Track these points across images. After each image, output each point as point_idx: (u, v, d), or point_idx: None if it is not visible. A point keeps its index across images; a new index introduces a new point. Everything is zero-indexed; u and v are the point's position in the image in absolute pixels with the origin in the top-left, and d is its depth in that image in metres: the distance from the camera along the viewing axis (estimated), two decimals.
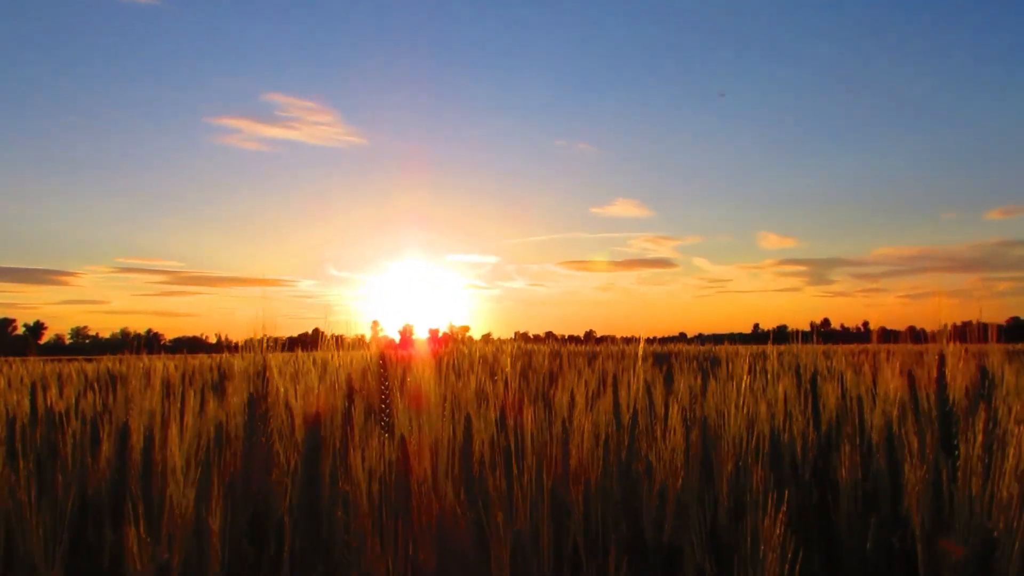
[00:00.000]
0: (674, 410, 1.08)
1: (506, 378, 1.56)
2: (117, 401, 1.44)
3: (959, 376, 0.86)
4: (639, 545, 1.06)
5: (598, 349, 9.23)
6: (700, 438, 1.05)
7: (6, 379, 4.12)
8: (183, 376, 4.06)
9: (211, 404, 1.17)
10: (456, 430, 1.02)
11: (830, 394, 1.26)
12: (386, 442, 0.94)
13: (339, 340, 1.46)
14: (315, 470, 0.93)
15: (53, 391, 1.57)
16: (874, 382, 1.36)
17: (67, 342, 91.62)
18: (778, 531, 0.73)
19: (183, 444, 0.79)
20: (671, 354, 8.33)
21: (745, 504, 1.00)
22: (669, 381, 2.66)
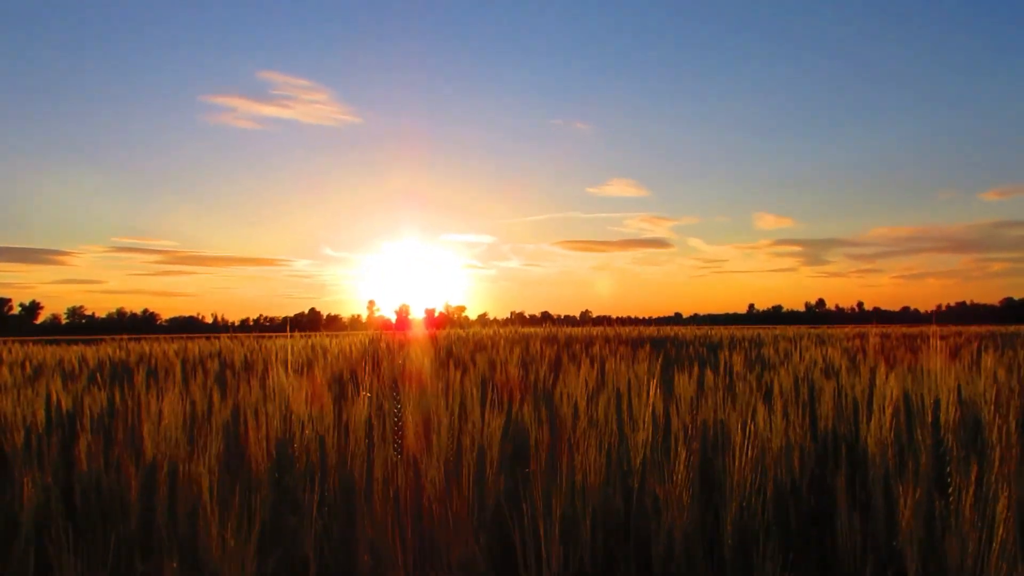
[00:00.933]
0: (678, 445, 1.08)
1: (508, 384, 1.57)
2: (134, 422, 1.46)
3: (952, 410, 0.88)
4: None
5: (594, 333, 9.25)
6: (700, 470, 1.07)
7: (8, 367, 4.13)
8: (189, 367, 4.07)
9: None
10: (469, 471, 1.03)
11: (827, 402, 1.28)
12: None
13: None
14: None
15: (60, 391, 1.58)
16: (871, 383, 1.38)
17: (63, 322, 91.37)
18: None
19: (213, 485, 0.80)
20: (668, 339, 8.35)
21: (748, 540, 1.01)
22: (667, 373, 2.69)
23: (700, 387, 1.87)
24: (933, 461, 0.84)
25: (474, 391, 2.14)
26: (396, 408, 1.02)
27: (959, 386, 0.98)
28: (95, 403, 1.54)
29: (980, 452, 0.95)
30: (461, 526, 0.97)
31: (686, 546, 1.00)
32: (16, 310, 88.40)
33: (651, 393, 1.08)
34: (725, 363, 2.73)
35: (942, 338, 7.81)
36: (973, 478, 0.75)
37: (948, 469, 0.83)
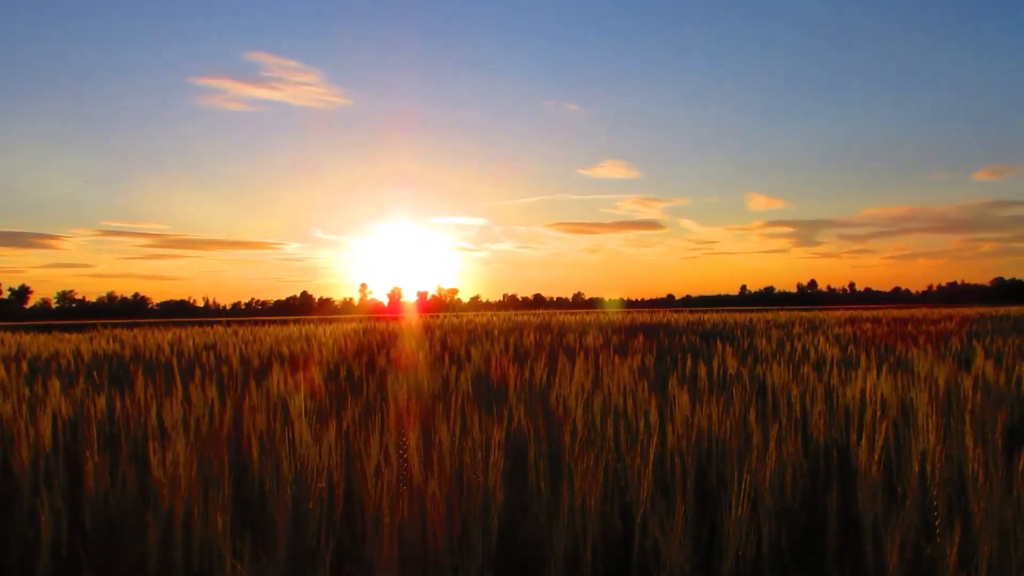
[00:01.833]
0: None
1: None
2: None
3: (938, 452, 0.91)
4: None
5: (587, 320, 9.30)
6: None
7: (2, 361, 4.13)
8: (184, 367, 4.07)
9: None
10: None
11: (819, 415, 1.31)
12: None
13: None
14: None
15: (61, 399, 1.59)
16: (863, 391, 1.42)
17: (53, 306, 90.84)
18: None
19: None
20: (660, 327, 8.39)
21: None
22: (660, 366, 2.72)
23: (693, 392, 1.90)
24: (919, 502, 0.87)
25: (470, 389, 2.16)
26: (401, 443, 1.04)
27: (943, 434, 0.99)
28: (96, 410, 1.55)
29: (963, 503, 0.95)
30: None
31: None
32: (5, 295, 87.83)
33: (651, 413, 1.10)
34: (719, 360, 2.76)
35: (932, 323, 7.90)
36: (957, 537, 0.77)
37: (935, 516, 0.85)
